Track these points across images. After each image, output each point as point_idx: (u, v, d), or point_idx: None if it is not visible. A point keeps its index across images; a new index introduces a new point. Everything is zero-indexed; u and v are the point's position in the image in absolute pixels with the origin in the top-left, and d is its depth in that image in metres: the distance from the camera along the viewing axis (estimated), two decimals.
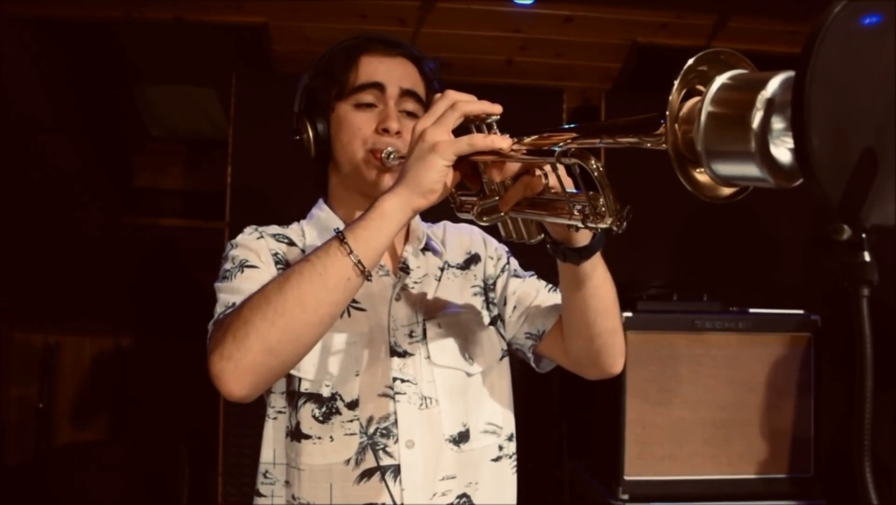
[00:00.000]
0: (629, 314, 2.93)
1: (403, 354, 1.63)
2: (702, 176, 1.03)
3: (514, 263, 1.84)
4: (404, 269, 1.70)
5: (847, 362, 3.20)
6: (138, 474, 4.23)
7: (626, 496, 2.87)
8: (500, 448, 1.70)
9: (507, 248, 1.84)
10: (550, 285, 1.77)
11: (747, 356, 2.99)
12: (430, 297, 1.70)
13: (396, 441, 1.58)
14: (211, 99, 3.96)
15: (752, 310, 3.05)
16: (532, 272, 1.83)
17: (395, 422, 1.58)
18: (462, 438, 1.64)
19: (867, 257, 0.84)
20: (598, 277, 1.50)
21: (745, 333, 3.00)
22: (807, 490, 2.97)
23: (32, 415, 4.62)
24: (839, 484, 3.05)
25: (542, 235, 1.45)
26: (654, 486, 2.90)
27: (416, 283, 1.70)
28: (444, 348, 1.67)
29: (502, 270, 1.80)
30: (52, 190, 3.87)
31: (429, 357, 1.64)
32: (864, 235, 0.84)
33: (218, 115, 3.95)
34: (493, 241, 1.85)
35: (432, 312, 1.69)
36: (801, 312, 3.06)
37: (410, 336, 1.65)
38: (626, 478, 2.88)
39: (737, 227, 3.49)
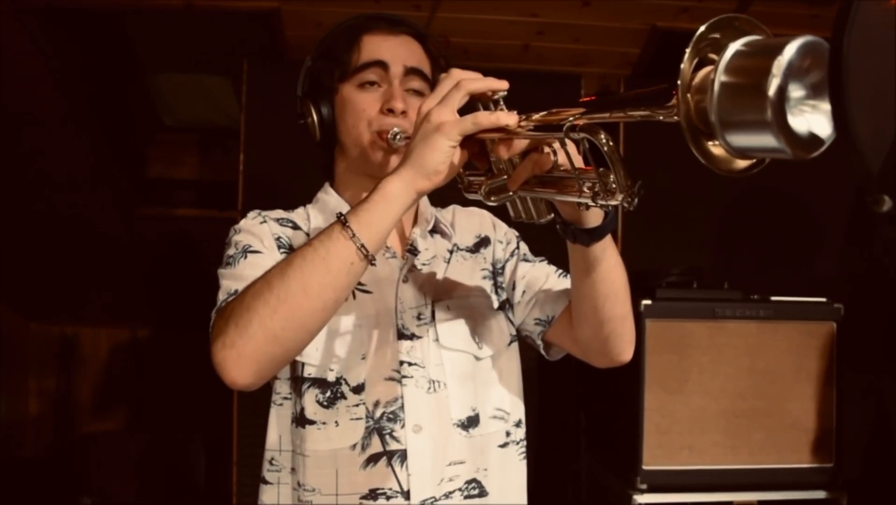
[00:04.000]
0: (648, 302, 2.90)
1: (411, 337, 1.60)
2: (716, 149, 1.00)
3: (524, 247, 1.81)
4: (412, 250, 1.67)
5: (871, 351, 3.17)
6: (155, 465, 4.25)
7: (644, 486, 2.85)
8: (508, 434, 1.67)
9: (517, 233, 1.81)
10: (560, 271, 1.73)
11: (769, 345, 2.96)
12: (438, 279, 1.68)
13: (403, 426, 1.55)
14: (224, 87, 3.96)
15: (773, 298, 3.01)
16: (542, 257, 1.79)
17: (402, 406, 1.56)
18: (471, 422, 1.61)
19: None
20: (608, 260, 1.46)
21: (766, 321, 2.97)
22: (829, 481, 2.94)
23: (50, 406, 4.65)
24: (861, 474, 3.02)
25: (552, 215, 1.42)
26: (673, 476, 2.88)
27: (424, 264, 1.67)
28: (453, 331, 1.64)
29: (512, 254, 1.77)
30: (65, 182, 3.87)
31: (437, 340, 1.62)
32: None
33: (231, 103, 3.94)
34: (502, 225, 1.82)
35: (441, 294, 1.66)
36: (823, 299, 3.02)
37: (418, 318, 1.62)
38: (645, 468, 2.86)
39: (759, 214, 3.45)
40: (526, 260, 1.77)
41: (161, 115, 4.23)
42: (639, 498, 2.85)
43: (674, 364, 2.92)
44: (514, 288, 1.73)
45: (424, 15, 3.23)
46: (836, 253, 3.51)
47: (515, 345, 1.74)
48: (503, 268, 1.76)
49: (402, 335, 1.60)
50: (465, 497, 1.59)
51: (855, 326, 3.01)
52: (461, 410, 1.61)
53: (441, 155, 1.29)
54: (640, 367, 2.88)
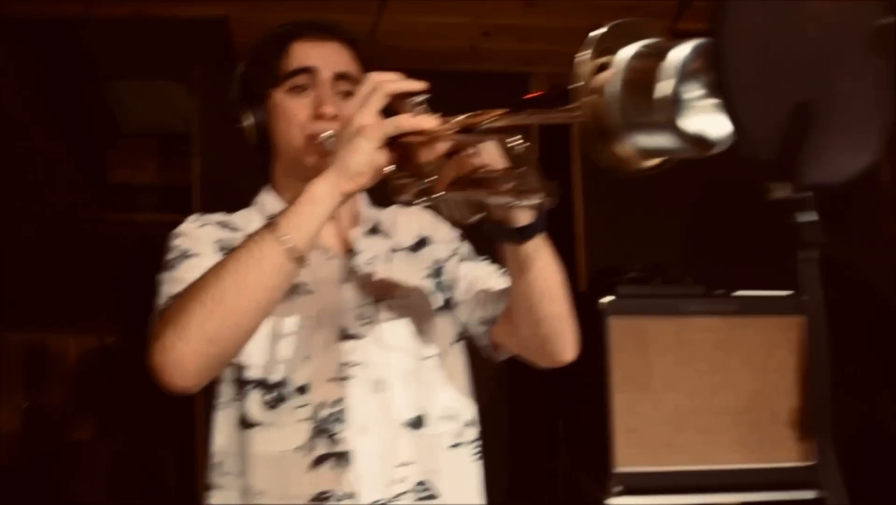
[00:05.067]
0: (610, 299, 2.89)
1: (354, 338, 1.62)
2: (619, 149, 1.01)
3: (467, 246, 1.83)
4: (352, 251, 1.70)
5: (846, 343, 3.15)
6: (126, 472, 4.25)
7: (618, 488, 2.81)
8: (459, 434, 1.69)
9: (460, 232, 1.84)
10: (504, 270, 1.74)
11: (739, 340, 2.94)
12: (379, 279, 1.70)
13: (349, 427, 1.57)
14: (180, 93, 3.95)
15: (738, 293, 3.00)
16: (486, 256, 1.81)
17: (347, 407, 1.58)
18: (418, 423, 1.63)
19: (808, 217, 0.81)
20: (541, 258, 1.49)
21: (734, 316, 2.95)
22: (809, 479, 2.88)
23: (19, 416, 4.63)
24: (850, 471, 2.98)
25: (481, 216, 1.45)
26: (648, 477, 2.84)
27: (365, 265, 1.70)
28: (396, 331, 1.67)
29: (454, 254, 1.80)
30: (28, 189, 3.86)
31: (380, 340, 1.64)
32: (803, 194, 0.81)
33: (188, 109, 3.93)
34: (445, 225, 1.84)
35: (382, 294, 1.68)
36: (791, 293, 2.99)
37: (361, 319, 1.64)
38: (618, 470, 2.81)
39: (727, 206, 3.41)
40: (468, 259, 1.80)
41: (119, 121, 4.23)
42: (612, 501, 2.82)
43: (640, 362, 2.89)
44: (456, 287, 1.76)
45: (370, 19, 3.22)
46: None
47: (461, 344, 1.76)
48: (446, 267, 1.78)
49: (344, 336, 1.62)
50: (416, 499, 1.60)
51: (830, 318, 2.98)
52: (407, 410, 1.63)
53: (363, 157, 1.33)
54: (605, 365, 2.85)
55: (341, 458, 1.56)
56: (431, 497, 1.62)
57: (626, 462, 2.82)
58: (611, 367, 2.86)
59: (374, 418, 1.59)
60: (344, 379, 1.59)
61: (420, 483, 1.61)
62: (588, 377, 2.91)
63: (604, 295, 2.89)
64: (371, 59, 1.74)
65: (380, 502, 1.56)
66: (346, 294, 1.66)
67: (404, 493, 1.59)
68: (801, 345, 2.94)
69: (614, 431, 2.83)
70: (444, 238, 1.82)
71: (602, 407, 2.85)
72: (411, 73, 1.40)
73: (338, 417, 1.57)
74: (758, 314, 2.96)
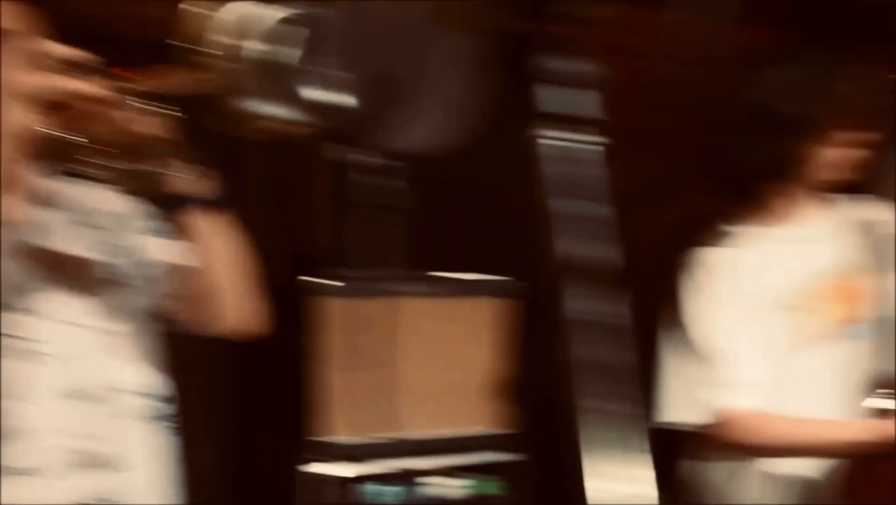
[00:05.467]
0: (327, 281, 2.92)
1: (22, 311, 1.55)
2: (246, 116, 1.03)
3: (152, 220, 1.76)
4: (21, 222, 1.61)
5: (554, 325, 3.34)
6: None
7: (327, 458, 2.85)
8: (142, 409, 1.67)
9: (146, 205, 1.76)
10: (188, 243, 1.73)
11: (457, 321, 3.05)
12: (53, 251, 1.63)
13: (15, 400, 1.51)
14: None
15: (455, 275, 3.10)
16: (170, 230, 1.77)
17: (12, 380, 1.51)
18: (91, 397, 1.59)
19: (360, 178, 0.87)
20: (213, 230, 1.53)
21: (452, 298, 3.05)
22: (515, 444, 3.06)
23: None
24: (543, 439, 3.18)
25: (148, 185, 1.47)
26: (363, 449, 2.90)
27: (36, 237, 1.62)
28: (69, 304, 1.61)
29: (138, 227, 1.73)
30: None
31: (50, 313, 1.58)
32: (362, 158, 0.86)
33: None
34: (130, 198, 1.75)
35: (56, 266, 1.62)
36: (507, 278, 3.13)
37: (28, 291, 1.57)
38: (334, 441, 2.86)
39: (446, 192, 3.50)
40: (152, 233, 1.74)
41: None
42: (316, 468, 2.86)
43: (358, 341, 2.95)
44: (139, 261, 1.71)
45: None
46: (525, 231, 3.61)
47: (148, 319, 1.73)
48: (131, 240, 1.72)
49: (9, 308, 1.54)
50: (92, 472, 1.57)
51: (543, 301, 3.15)
52: (78, 382, 1.58)
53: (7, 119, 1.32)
54: (323, 345, 2.88)
55: (10, 432, 1.50)
56: (109, 470, 1.59)
57: (343, 433, 2.88)
58: (329, 346, 2.90)
59: (40, 392, 1.54)
60: (9, 353, 1.52)
61: (92, 456, 1.57)
62: (307, 356, 2.94)
63: (324, 278, 2.92)
64: (54, 17, 1.65)
65: (50, 474, 1.52)
66: (14, 266, 1.57)
67: (80, 465, 1.55)
68: (515, 326, 3.11)
69: (331, 406, 2.88)
70: (130, 210, 1.74)
71: (318, 385, 2.89)
72: (112, 41, 1.37)
73: (3, 392, 1.51)
74: (476, 296, 3.09)
